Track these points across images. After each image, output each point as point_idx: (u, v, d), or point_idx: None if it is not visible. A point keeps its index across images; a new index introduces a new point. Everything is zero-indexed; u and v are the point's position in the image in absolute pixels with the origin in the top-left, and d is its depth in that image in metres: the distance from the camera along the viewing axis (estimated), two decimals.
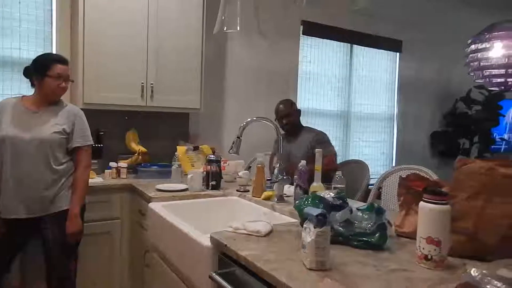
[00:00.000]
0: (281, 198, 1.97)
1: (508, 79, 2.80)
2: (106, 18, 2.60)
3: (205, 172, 2.29)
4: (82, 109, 2.18)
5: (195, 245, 1.46)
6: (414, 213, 1.43)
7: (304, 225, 1.13)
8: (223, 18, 2.31)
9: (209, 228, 2.00)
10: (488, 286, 0.89)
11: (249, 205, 2.08)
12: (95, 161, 2.69)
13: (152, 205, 1.99)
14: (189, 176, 2.18)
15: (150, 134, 3.04)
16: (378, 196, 2.61)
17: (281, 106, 2.70)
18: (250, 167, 3.29)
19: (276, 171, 1.99)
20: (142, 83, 2.73)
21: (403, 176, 1.47)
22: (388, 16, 4.32)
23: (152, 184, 2.34)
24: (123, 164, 2.62)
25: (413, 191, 1.42)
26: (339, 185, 1.73)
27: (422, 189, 1.25)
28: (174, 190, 2.16)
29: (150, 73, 2.76)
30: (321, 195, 1.38)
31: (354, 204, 1.92)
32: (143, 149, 2.83)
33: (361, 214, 1.38)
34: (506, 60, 2.77)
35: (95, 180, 2.45)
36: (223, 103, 3.51)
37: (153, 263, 2.01)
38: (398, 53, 4.58)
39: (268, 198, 2.00)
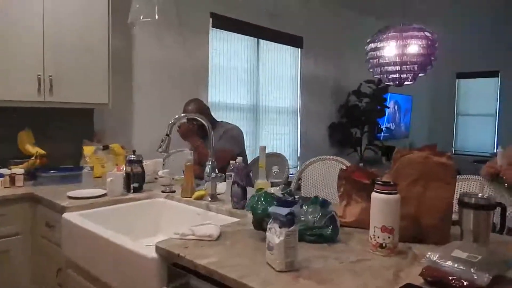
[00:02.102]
0: (214, 197, 1.89)
1: (402, 75, 3.14)
2: None
3: (125, 174, 2.08)
4: None
5: (135, 258, 1.31)
6: (355, 203, 1.50)
7: (269, 226, 1.09)
8: (137, 6, 2.11)
9: (140, 235, 1.84)
10: (447, 263, 0.97)
11: (179, 206, 1.96)
12: None
13: (67, 215, 1.73)
14: (108, 179, 1.95)
15: (47, 133, 2.65)
16: (298, 187, 2.70)
17: (187, 107, 2.61)
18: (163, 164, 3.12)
19: (208, 168, 1.90)
20: (39, 75, 2.36)
21: (342, 168, 1.53)
22: (290, 13, 4.49)
23: (59, 191, 2.04)
24: (17, 170, 2.23)
25: (352, 181, 1.48)
26: (277, 180, 1.72)
27: (370, 181, 1.31)
28: (92, 196, 1.91)
29: (48, 64, 2.40)
30: (272, 192, 1.35)
31: None
32: (41, 151, 2.45)
33: (305, 207, 1.39)
34: (399, 58, 3.10)
35: None
36: (131, 99, 3.24)
37: (69, 281, 1.76)
38: (299, 49, 4.80)
39: (200, 198, 1.91)
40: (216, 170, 1.90)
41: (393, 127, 6.41)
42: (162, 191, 2.10)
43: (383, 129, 5.91)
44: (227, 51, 3.98)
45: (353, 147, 5.40)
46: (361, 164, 4.25)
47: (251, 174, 2.90)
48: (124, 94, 3.18)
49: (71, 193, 1.93)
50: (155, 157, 2.59)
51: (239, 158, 1.75)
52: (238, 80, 4.12)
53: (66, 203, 1.82)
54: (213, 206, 1.81)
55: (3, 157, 2.37)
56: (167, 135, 1.80)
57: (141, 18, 2.05)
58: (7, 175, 2.20)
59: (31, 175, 2.35)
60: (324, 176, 2.61)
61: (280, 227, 1.05)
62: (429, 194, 1.28)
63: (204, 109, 2.64)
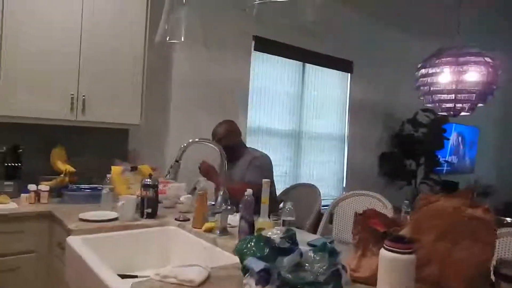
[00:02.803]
0: (224, 231, 1.74)
1: (457, 105, 2.81)
2: (32, 17, 2.28)
3: (140, 198, 2.01)
4: None
5: None
6: (371, 255, 1.27)
7: (244, 281, 0.91)
8: (166, 27, 2.08)
9: (138, 266, 1.74)
10: None
11: (188, 237, 1.83)
12: (10, 183, 2.32)
13: (70, 239, 1.67)
14: (119, 203, 1.89)
15: (80, 151, 2.70)
16: (330, 220, 2.46)
17: (217, 129, 2.52)
18: (195, 188, 3.04)
19: (219, 199, 1.76)
20: (72, 94, 2.41)
21: (358, 212, 1.31)
22: (339, 36, 4.31)
23: (77, 211, 2.02)
24: (43, 187, 2.26)
25: (369, 228, 1.26)
26: (289, 218, 1.54)
27: (383, 232, 1.09)
28: (101, 219, 1.85)
29: (83, 84, 2.45)
30: (268, 235, 1.17)
31: (305, 235, 1.74)
32: (70, 168, 2.48)
33: (312, 255, 1.19)
34: (455, 86, 2.78)
35: (6, 206, 2.08)
36: (167, 119, 3.24)
37: None
38: (349, 74, 4.58)
39: (209, 230, 1.77)
40: (228, 201, 1.76)
41: (455, 161, 5.85)
42: (175, 219, 1.99)
43: (442, 162, 5.40)
44: (270, 74, 3.89)
45: (407, 179, 4.97)
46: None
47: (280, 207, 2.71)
48: (160, 115, 3.18)
49: (83, 215, 1.89)
50: (186, 180, 2.52)
51: (249, 191, 1.59)
52: (280, 104, 3.99)
53: (73, 226, 1.77)
54: (221, 241, 1.66)
55: (35, 172, 2.43)
56: (177, 161, 1.70)
57: (168, 39, 2.00)
58: (32, 191, 2.23)
59: (58, 192, 2.39)
60: None
61: (256, 285, 0.87)
62: (458, 254, 1.03)
63: (234, 132, 2.53)
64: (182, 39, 2.00)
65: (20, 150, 2.37)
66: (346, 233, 2.34)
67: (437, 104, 3.00)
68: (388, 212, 2.17)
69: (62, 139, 2.60)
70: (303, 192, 2.77)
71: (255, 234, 1.33)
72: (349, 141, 4.63)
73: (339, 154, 4.58)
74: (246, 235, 1.55)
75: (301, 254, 1.14)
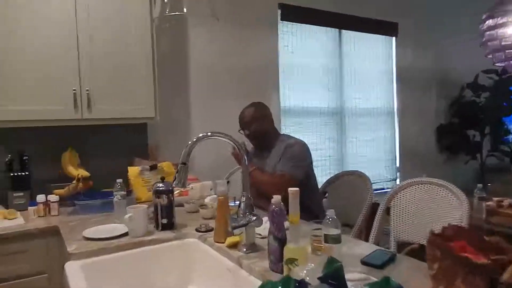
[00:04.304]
0: (252, 247, 1.37)
1: None
2: (25, 8, 2.00)
3: (153, 207, 1.69)
4: None
5: None
6: None
7: None
8: (165, 0, 1.72)
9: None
10: None
11: (209, 254, 1.49)
12: (20, 194, 2.10)
13: (68, 266, 1.39)
14: (126, 216, 1.57)
15: (95, 152, 2.45)
16: (387, 212, 2.02)
17: (244, 113, 2.14)
18: (228, 181, 2.71)
19: (242, 206, 1.39)
20: (74, 90, 2.13)
21: (434, 231, 0.89)
22: None
23: (89, 223, 1.76)
24: (53, 197, 2.01)
25: (456, 257, 0.83)
26: (333, 233, 1.14)
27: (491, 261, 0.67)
28: (107, 237, 1.55)
29: (84, 76, 2.16)
30: (301, 276, 0.79)
31: (355, 246, 1.34)
32: (84, 173, 2.22)
33: None
34: None
35: (12, 222, 1.85)
36: (188, 109, 2.90)
37: None
38: (394, 38, 3.99)
39: (233, 246, 1.41)
40: (253, 209, 1.39)
41: None
42: (197, 229, 1.66)
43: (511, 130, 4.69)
44: (302, 47, 3.42)
45: (471, 153, 4.35)
46: None
47: (324, 201, 2.32)
48: (179, 105, 2.86)
49: (88, 232, 1.60)
50: (216, 178, 2.20)
51: (276, 198, 1.20)
52: (316, 80, 3.53)
53: (73, 247, 1.48)
54: (247, 262, 1.30)
55: (48, 180, 2.20)
56: (183, 163, 1.34)
57: (167, 12, 1.63)
58: (40, 202, 1.99)
59: (72, 201, 2.14)
60: (421, 209, 1.90)
61: None
62: None
63: (263, 116, 2.14)
64: (185, 11, 1.62)
65: (26, 158, 2.14)
66: (407, 233, 1.91)
67: (510, 63, 2.42)
68: (464, 207, 1.70)
69: (72, 142, 2.34)
70: (351, 182, 2.34)
71: (284, 265, 0.96)
72: (400, 115, 4.08)
73: (389, 130, 4.05)
74: (277, 257, 1.17)
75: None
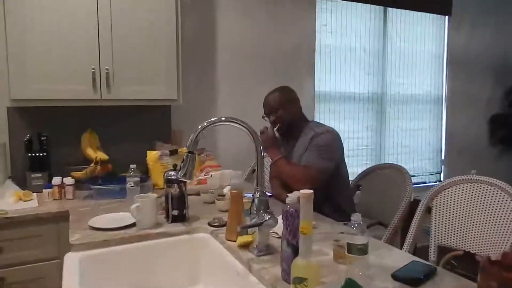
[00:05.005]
0: (265, 249, 1.20)
1: None
2: None
3: (164, 197, 1.56)
4: (10, 107, 1.55)
5: None
6: None
7: None
8: None
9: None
10: None
11: (220, 252, 1.34)
12: (39, 175, 2.05)
13: (67, 258, 1.29)
14: (133, 206, 1.45)
15: (116, 135, 2.37)
16: (428, 212, 1.78)
17: (268, 98, 1.93)
18: (254, 170, 2.55)
19: (255, 202, 1.22)
20: (93, 68, 2.02)
21: (491, 258, 0.67)
22: None
23: (97, 210, 1.69)
24: (68, 180, 1.94)
25: None
26: (358, 241, 0.95)
27: None
28: (112, 228, 1.44)
29: (104, 55, 2.05)
30: None
31: (385, 254, 1.13)
32: (102, 155, 2.14)
33: None
34: None
35: (26, 204, 1.80)
36: (215, 93, 2.75)
37: None
38: (446, 17, 3.60)
39: (245, 246, 1.25)
40: (268, 206, 1.21)
41: None
42: (209, 224, 1.51)
43: None
44: (342, 27, 3.14)
45: None
46: None
47: (356, 196, 2.11)
48: (205, 88, 2.71)
49: (93, 221, 1.50)
50: (241, 166, 2.06)
51: (292, 196, 1.01)
52: (356, 63, 3.25)
53: (75, 237, 1.38)
54: (257, 266, 1.13)
55: (67, 162, 2.14)
56: (190, 152, 1.18)
57: None
58: (56, 185, 1.92)
59: (91, 184, 2.06)
60: (469, 211, 1.64)
61: None
62: None
63: (288, 101, 1.92)
64: None
65: (44, 138, 2.08)
66: (450, 237, 1.66)
67: None
68: None
69: (93, 123, 2.27)
70: (388, 176, 2.10)
71: (291, 284, 0.78)
72: (449, 103, 3.71)
73: (435, 119, 3.70)
74: (290, 266, 0.99)
75: None
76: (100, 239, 1.37)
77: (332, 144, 1.81)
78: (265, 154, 1.95)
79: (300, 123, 1.94)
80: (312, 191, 0.82)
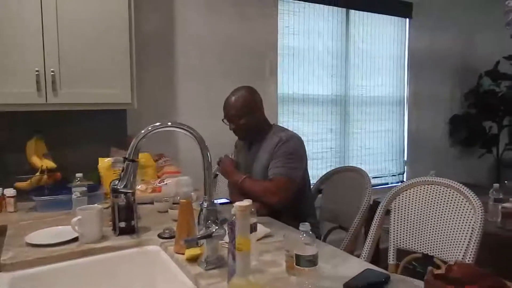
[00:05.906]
0: (214, 262, 1.13)
1: None
2: None
3: (110, 209, 1.46)
4: None
5: None
6: None
7: None
8: None
9: None
10: None
11: (169, 267, 1.25)
12: None
13: (1, 277, 1.17)
14: (74, 219, 1.34)
15: (67, 141, 2.22)
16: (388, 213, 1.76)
17: (230, 103, 1.82)
18: (217, 175, 2.47)
19: (204, 212, 1.14)
20: (37, 70, 1.89)
21: (435, 271, 0.62)
22: None
23: (42, 223, 1.55)
24: (9, 191, 1.80)
25: None
26: (307, 252, 0.89)
27: None
28: (51, 244, 1.32)
29: (50, 55, 1.91)
30: None
31: (340, 263, 1.08)
32: (49, 163, 2.00)
33: None
34: None
35: None
36: (174, 94, 2.65)
37: None
38: (407, 19, 3.66)
39: (193, 259, 1.17)
40: (217, 217, 1.13)
41: None
42: (159, 235, 1.42)
43: None
44: (304, 28, 3.12)
45: (486, 146, 4.02)
46: None
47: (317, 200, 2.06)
48: (165, 89, 2.61)
49: (29, 237, 1.37)
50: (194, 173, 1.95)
51: (238, 205, 0.94)
52: (319, 65, 3.24)
53: (8, 256, 1.26)
54: (204, 282, 1.06)
55: (14, 172, 1.98)
56: (128, 159, 1.09)
57: None
58: None
59: (36, 195, 1.91)
60: (426, 214, 1.63)
61: None
62: None
63: (252, 107, 1.82)
64: None
65: None
66: (408, 240, 1.64)
67: None
68: (477, 213, 1.43)
69: (42, 128, 2.12)
70: (348, 179, 2.07)
71: None
72: (410, 104, 3.76)
73: (398, 121, 3.75)
74: None
75: None
76: (34, 257, 1.25)
77: (299, 150, 1.76)
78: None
79: (263, 127, 1.87)
80: (248, 204, 0.75)
